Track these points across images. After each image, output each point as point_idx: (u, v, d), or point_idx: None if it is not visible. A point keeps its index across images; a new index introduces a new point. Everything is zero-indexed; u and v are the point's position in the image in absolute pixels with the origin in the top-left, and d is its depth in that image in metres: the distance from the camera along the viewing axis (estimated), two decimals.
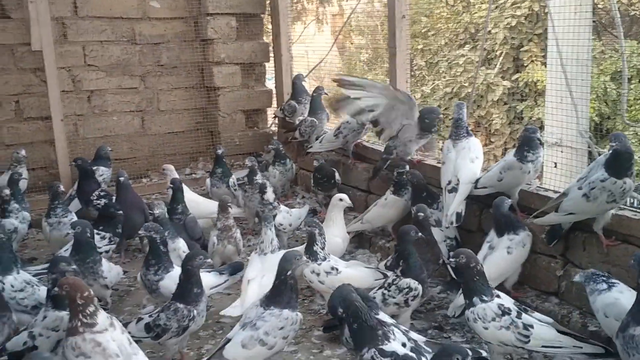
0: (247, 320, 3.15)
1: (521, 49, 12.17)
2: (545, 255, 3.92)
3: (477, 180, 4.22)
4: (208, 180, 5.71)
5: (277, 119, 7.01)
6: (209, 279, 3.75)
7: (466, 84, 12.11)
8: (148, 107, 6.76)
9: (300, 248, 3.98)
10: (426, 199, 4.43)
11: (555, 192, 4.01)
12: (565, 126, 5.06)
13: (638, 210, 3.60)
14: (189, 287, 3.32)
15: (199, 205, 5.14)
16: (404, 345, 2.81)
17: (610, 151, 3.38)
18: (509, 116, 12.35)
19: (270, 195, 4.71)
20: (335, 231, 4.39)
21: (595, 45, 10.61)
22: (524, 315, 3.09)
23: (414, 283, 3.56)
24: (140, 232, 3.79)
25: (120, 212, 4.68)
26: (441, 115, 4.78)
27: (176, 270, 3.71)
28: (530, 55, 12.00)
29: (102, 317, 2.89)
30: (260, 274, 3.81)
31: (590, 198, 3.43)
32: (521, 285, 4.00)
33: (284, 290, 3.11)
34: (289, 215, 4.78)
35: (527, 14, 11.81)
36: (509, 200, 3.87)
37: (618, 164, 3.36)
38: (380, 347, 2.71)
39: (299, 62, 7.43)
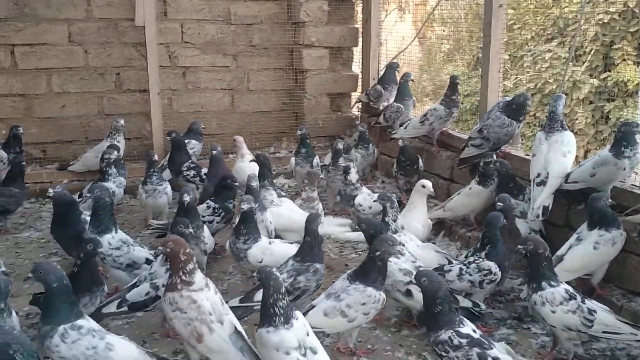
0: (332, 291, 3.28)
1: (612, 47, 11.65)
2: (635, 254, 3.81)
3: (567, 175, 4.16)
4: (293, 159, 5.86)
5: (360, 103, 7.09)
6: (288, 249, 3.86)
7: (551, 80, 11.75)
8: (238, 86, 7.00)
9: None
10: (512, 190, 4.39)
11: None
12: None
13: None
14: (317, 247, 3.52)
15: None
16: (474, 331, 2.87)
17: None
18: (595, 116, 11.89)
19: (353, 176, 4.83)
20: (417, 216, 4.44)
21: None
22: (587, 300, 3.17)
23: (495, 267, 3.59)
24: (243, 206, 3.95)
25: (237, 184, 4.72)
26: (529, 101, 4.70)
27: (263, 240, 3.89)
28: (622, 53, 11.48)
29: (199, 276, 3.08)
30: None
31: None
32: (607, 283, 3.92)
33: (371, 269, 3.21)
34: (370, 198, 4.86)
35: (621, 10, 11.30)
36: (607, 196, 3.77)
37: None
38: (457, 329, 2.79)
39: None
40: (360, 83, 7.18)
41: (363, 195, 4.85)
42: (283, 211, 4.46)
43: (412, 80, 6.08)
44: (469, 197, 4.73)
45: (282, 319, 2.78)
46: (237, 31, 6.86)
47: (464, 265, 3.66)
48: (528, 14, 13.30)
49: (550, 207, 4.14)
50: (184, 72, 6.84)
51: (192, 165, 5.69)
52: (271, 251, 3.83)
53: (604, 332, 3.11)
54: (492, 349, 2.76)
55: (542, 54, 12.32)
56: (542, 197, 4.12)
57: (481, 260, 3.63)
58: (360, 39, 7.09)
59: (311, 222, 3.52)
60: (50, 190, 4.29)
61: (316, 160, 5.77)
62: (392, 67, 6.48)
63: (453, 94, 5.40)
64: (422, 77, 13.01)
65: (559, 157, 4.19)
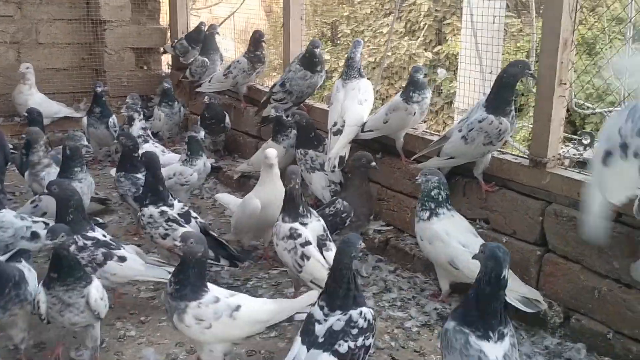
0: None
1: (444, 22, 12.12)
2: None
3: (364, 124, 3.99)
4: (84, 119, 5.22)
5: (171, 60, 6.52)
6: None
7: (389, 54, 11.98)
8: (25, 39, 6.09)
9: None
10: (313, 141, 4.16)
11: None
12: (474, 95, 4.88)
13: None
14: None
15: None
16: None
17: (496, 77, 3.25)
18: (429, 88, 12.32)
19: (136, 129, 4.38)
20: (259, 191, 3.70)
21: (514, 23, 10.71)
22: (310, 247, 3.01)
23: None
24: None
25: None
26: (317, 48, 4.37)
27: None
28: (453, 28, 11.98)
29: None
30: None
31: (468, 140, 3.28)
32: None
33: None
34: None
35: None
36: None
37: (499, 94, 3.19)
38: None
39: (225, 25, 7.14)
40: (169, 37, 6.58)
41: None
42: None
43: (217, 33, 5.64)
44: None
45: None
46: None
47: None
48: None
49: (347, 156, 3.95)
50: None
51: None
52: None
53: (311, 281, 3.00)
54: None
55: (380, 28, 12.54)
56: (337, 146, 3.94)
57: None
58: None
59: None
60: None
61: (112, 120, 5.16)
62: (203, 25, 5.96)
63: (257, 49, 5.09)
64: (269, 50, 12.71)
65: (355, 105, 4.02)
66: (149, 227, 3.39)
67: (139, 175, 3.90)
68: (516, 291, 3.00)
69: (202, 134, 4.32)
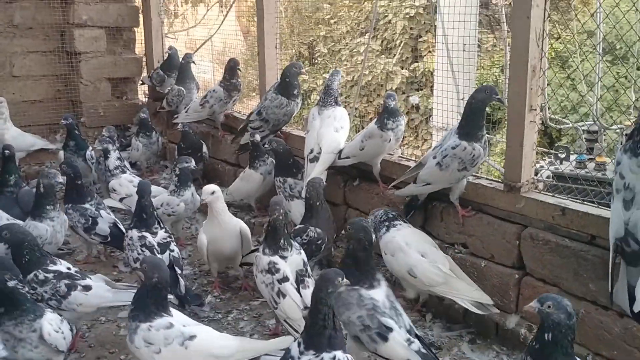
0: None
1: (419, 40, 12.27)
2: None
3: (341, 151, 4.02)
4: (61, 154, 5.17)
5: (148, 89, 6.51)
6: None
7: (366, 72, 12.07)
8: None
9: None
10: (291, 168, 4.19)
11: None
12: (450, 111, 4.94)
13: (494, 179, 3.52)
14: None
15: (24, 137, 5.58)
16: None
17: (465, 104, 3.30)
18: (407, 105, 12.45)
19: (112, 161, 4.39)
20: (206, 227, 3.69)
21: (487, 38, 10.88)
22: (287, 284, 3.01)
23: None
24: None
25: None
26: (303, 70, 4.45)
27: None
28: (428, 45, 12.12)
29: None
30: None
31: (442, 166, 3.31)
32: None
33: None
34: (128, 184, 4.48)
35: (425, 4, 11.92)
36: None
37: (470, 120, 3.23)
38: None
39: (205, 48, 7.17)
40: (145, 66, 6.58)
41: (119, 180, 4.38)
42: None
43: (193, 62, 5.65)
44: (243, 180, 4.51)
45: None
46: None
47: None
48: (343, 8, 13.64)
49: (324, 183, 3.96)
50: None
51: None
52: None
53: (285, 320, 2.99)
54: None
55: (357, 47, 12.65)
56: (314, 174, 3.95)
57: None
58: (141, 19, 6.47)
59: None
60: None
61: (89, 152, 5.13)
62: (172, 51, 5.98)
63: (232, 77, 5.09)
64: (247, 71, 12.77)
65: (331, 133, 4.06)
66: (127, 248, 3.49)
67: (87, 206, 3.97)
68: (468, 296, 3.16)
69: (193, 163, 4.30)
